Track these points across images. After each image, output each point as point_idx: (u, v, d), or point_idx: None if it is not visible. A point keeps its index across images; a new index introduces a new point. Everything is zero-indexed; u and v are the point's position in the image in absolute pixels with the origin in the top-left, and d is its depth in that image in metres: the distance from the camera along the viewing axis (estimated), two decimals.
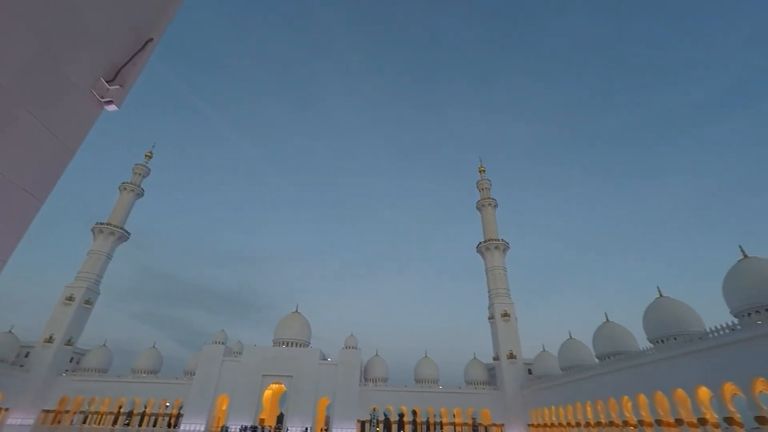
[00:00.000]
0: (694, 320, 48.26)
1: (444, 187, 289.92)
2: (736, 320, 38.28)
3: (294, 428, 70.53)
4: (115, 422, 74.23)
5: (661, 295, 52.52)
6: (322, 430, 76.43)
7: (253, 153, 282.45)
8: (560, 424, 62.02)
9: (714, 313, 43.62)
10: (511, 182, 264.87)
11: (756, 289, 38.14)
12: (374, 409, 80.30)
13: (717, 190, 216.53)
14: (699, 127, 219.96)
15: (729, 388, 34.76)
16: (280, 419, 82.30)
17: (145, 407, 76.98)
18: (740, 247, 41.89)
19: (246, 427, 69.60)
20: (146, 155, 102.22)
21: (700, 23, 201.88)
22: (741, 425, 34.47)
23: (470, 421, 78.92)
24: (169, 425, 75.71)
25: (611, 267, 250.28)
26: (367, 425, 76.40)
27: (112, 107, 4.67)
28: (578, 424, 56.79)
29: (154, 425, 75.12)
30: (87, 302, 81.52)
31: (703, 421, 37.03)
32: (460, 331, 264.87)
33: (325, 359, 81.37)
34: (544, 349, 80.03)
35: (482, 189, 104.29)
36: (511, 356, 79.68)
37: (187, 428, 70.34)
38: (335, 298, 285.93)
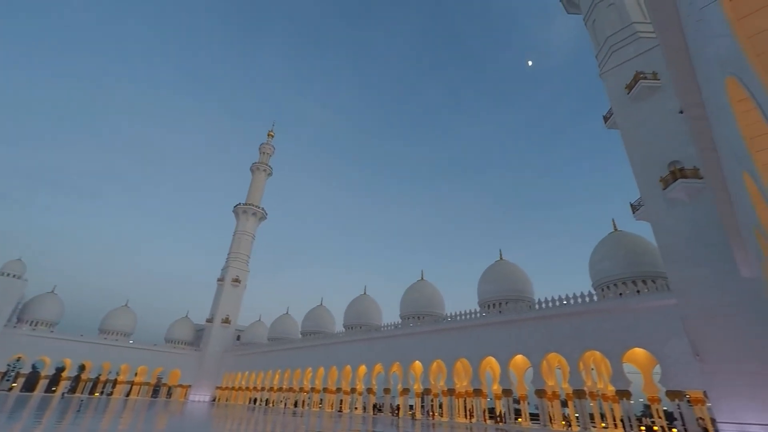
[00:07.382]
0: (378, 315, 63.14)
1: (230, 132, 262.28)
2: (400, 321, 52.88)
3: None
4: None
5: (365, 293, 65.74)
6: None
7: None
8: (248, 388, 66.67)
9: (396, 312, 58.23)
10: (295, 158, 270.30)
11: (416, 302, 54.40)
12: (19, 359, 61.37)
13: (434, 225, 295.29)
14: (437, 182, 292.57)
15: (395, 366, 46.19)
16: None
17: None
18: (422, 271, 58.85)
19: None
20: None
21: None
22: (389, 392, 45.98)
23: (154, 381, 72.73)
24: None
25: (342, 259, 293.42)
26: None
27: None
28: (263, 388, 62.81)
29: None
30: None
31: (353, 390, 48.80)
32: (182, 286, 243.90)
33: None
34: (260, 319, 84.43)
35: (263, 153, 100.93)
36: (227, 321, 79.53)
37: None
38: (26, 206, 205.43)
